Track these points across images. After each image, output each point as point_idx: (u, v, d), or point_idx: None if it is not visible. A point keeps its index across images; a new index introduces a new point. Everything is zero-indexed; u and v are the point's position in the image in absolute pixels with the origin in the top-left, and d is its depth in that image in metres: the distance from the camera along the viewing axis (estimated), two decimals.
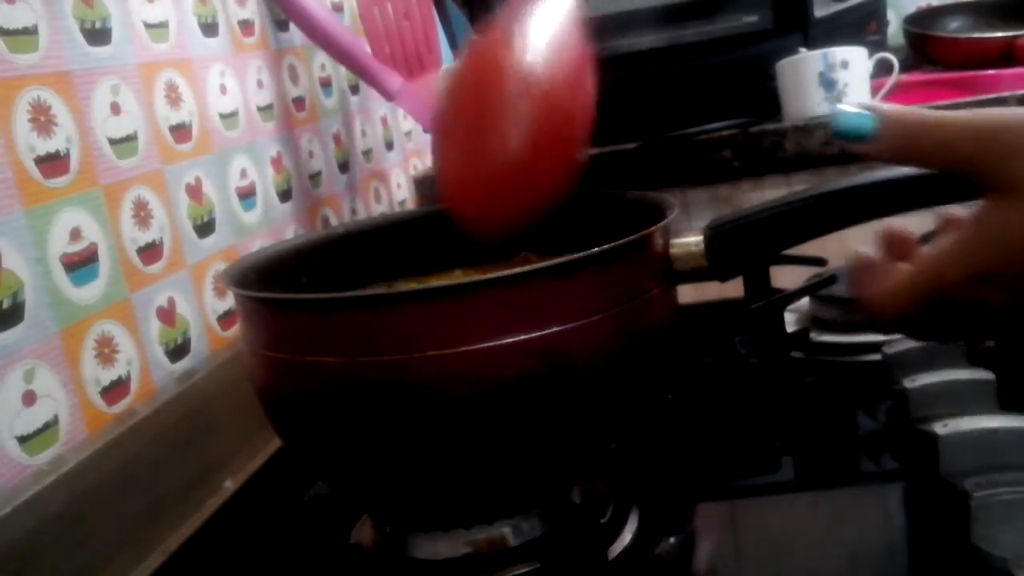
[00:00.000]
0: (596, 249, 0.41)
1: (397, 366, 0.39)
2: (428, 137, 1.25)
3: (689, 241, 0.45)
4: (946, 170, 0.38)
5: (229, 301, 0.73)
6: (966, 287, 0.37)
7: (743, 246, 0.45)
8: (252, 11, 0.83)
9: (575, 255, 0.40)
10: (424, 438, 0.41)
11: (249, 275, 0.50)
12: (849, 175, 0.42)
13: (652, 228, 0.44)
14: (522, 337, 0.39)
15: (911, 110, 0.38)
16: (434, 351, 0.39)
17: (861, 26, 1.17)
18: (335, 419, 0.42)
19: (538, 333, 0.39)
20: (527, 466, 0.43)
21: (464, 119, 0.46)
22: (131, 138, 0.63)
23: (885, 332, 0.50)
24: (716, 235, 0.45)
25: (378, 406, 0.40)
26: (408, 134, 1.23)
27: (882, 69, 1.09)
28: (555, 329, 0.40)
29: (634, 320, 0.43)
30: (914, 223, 0.41)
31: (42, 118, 0.55)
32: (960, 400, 0.50)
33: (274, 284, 0.52)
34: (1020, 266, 0.36)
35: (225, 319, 0.72)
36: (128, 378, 0.59)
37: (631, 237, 0.42)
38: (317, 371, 0.41)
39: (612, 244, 0.41)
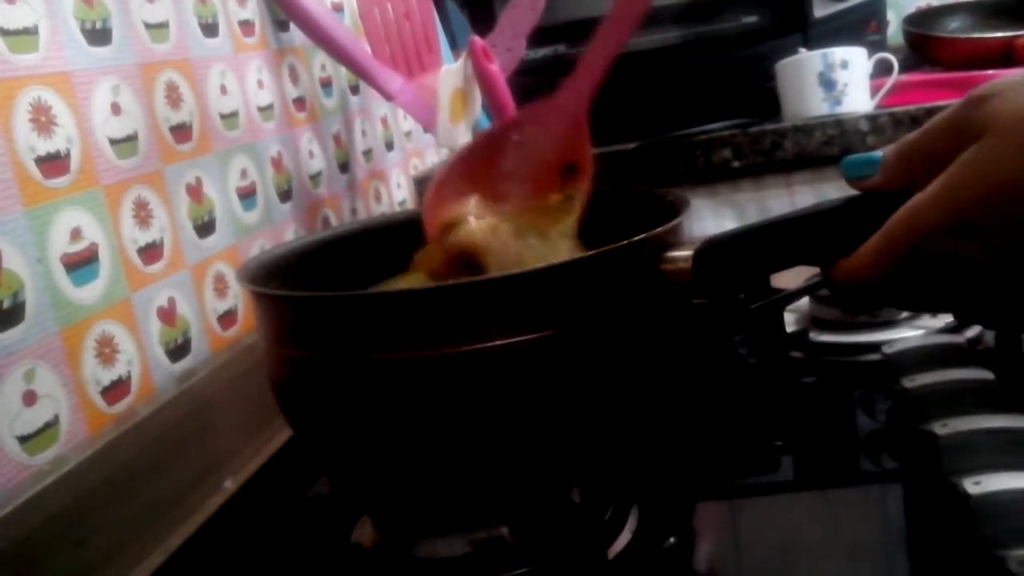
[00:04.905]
0: (602, 248, 0.41)
1: (409, 364, 0.40)
2: (428, 137, 1.25)
3: (678, 256, 0.42)
4: (932, 154, 0.37)
5: (229, 301, 0.73)
6: (941, 236, 0.36)
7: (730, 265, 0.42)
8: (252, 11, 0.83)
9: (590, 252, 0.40)
10: (432, 435, 0.41)
11: (265, 272, 0.50)
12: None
13: (653, 232, 0.43)
14: (529, 337, 0.39)
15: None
16: (445, 349, 0.39)
17: (861, 26, 1.17)
18: (348, 414, 0.43)
19: (544, 333, 0.39)
20: (530, 465, 0.44)
21: None
22: (131, 138, 0.63)
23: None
24: (705, 252, 0.41)
25: (390, 403, 0.41)
26: (408, 134, 1.23)
27: (882, 69, 1.09)
28: (559, 330, 0.40)
29: (639, 323, 0.43)
30: None
31: (42, 118, 0.55)
32: (960, 400, 0.50)
33: (295, 280, 0.53)
34: (997, 206, 0.35)
35: (225, 319, 0.72)
36: (128, 378, 0.59)
37: (639, 237, 0.42)
38: (331, 368, 0.42)
39: (621, 243, 0.41)
